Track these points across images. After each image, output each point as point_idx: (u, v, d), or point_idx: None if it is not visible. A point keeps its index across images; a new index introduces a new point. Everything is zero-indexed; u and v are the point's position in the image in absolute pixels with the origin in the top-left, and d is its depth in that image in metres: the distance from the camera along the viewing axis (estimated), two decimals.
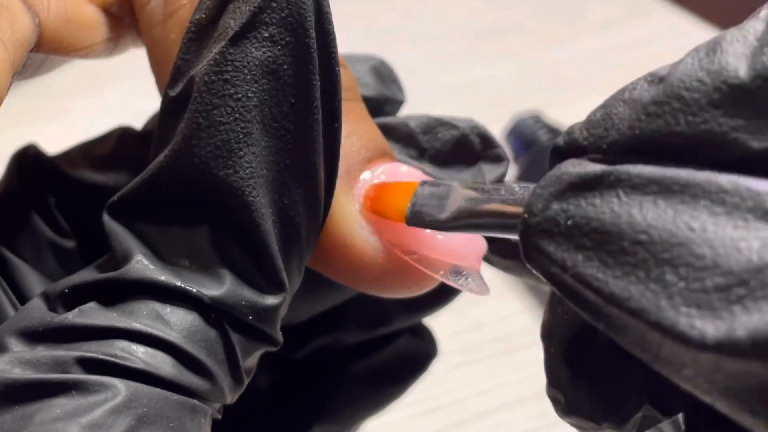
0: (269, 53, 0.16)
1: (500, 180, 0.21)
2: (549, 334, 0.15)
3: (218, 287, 0.16)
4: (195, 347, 0.16)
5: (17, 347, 0.15)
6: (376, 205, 0.18)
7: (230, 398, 0.17)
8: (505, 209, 0.16)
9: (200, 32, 0.17)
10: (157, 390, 0.15)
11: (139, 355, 0.15)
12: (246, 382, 0.17)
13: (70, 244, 0.20)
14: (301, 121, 0.16)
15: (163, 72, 0.19)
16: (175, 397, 0.15)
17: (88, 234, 0.20)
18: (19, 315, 0.16)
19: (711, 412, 0.13)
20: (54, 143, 0.22)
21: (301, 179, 0.17)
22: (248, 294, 0.16)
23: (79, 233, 0.20)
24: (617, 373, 0.14)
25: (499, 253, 0.20)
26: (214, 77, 0.16)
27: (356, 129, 0.18)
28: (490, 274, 0.20)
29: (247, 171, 0.16)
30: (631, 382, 0.14)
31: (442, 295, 0.23)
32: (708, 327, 0.11)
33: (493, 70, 0.61)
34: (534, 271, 0.14)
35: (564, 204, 0.13)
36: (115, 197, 0.17)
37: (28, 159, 0.21)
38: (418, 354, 0.24)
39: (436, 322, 0.25)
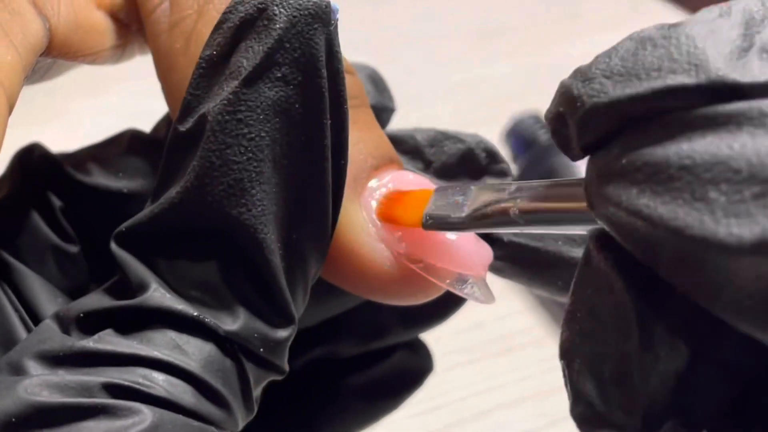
0: (282, 93, 0.16)
1: None
2: (570, 351, 0.15)
3: (233, 320, 0.16)
4: (212, 377, 0.16)
5: (37, 370, 0.15)
6: (389, 211, 0.18)
7: (242, 425, 0.17)
8: (532, 205, 0.16)
9: (211, 68, 0.17)
10: (178, 416, 0.15)
11: (160, 382, 0.15)
12: (255, 410, 0.17)
13: (73, 249, 0.20)
14: (311, 159, 0.17)
15: (169, 81, 0.19)
16: (196, 424, 0.15)
17: (94, 239, 0.20)
18: (36, 337, 0.16)
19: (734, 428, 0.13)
20: (55, 144, 0.22)
21: (309, 215, 0.17)
22: (260, 327, 0.16)
23: (85, 238, 0.20)
24: (648, 381, 0.14)
25: (509, 260, 0.20)
26: (227, 117, 0.16)
27: (363, 136, 0.18)
28: (490, 273, 0.20)
29: (259, 209, 0.16)
30: (661, 391, 0.14)
31: (440, 310, 0.23)
32: (744, 231, 0.11)
33: (493, 70, 0.61)
34: (600, 222, 0.14)
35: (616, 149, 0.13)
36: (122, 227, 0.17)
37: (33, 159, 0.21)
38: (413, 369, 0.24)
39: None
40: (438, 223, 0.18)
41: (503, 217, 0.16)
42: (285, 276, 0.17)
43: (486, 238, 0.20)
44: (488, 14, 0.68)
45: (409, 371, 0.24)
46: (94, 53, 0.19)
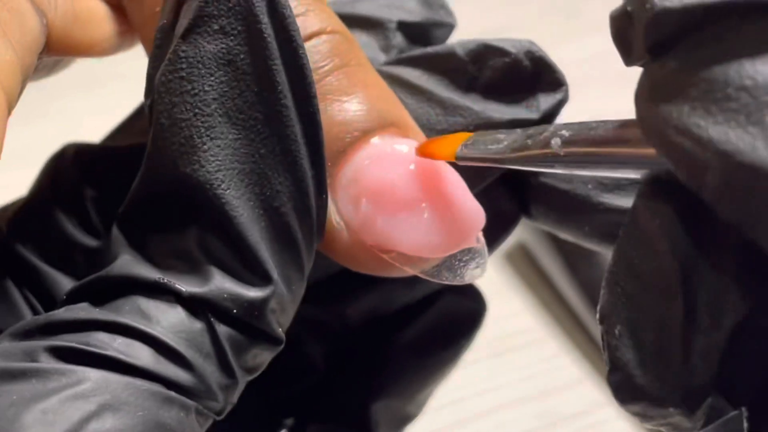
0: (222, 45, 0.16)
1: (558, 107, 0.20)
2: (610, 315, 0.15)
3: (202, 283, 0.16)
4: (175, 339, 0.16)
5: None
6: (426, 148, 0.18)
7: (222, 395, 0.16)
8: (577, 139, 0.15)
9: (164, 38, 0.17)
10: (126, 378, 0.15)
11: (115, 345, 0.15)
12: (241, 379, 0.17)
13: (95, 243, 0.20)
14: (269, 110, 0.16)
15: None
16: (146, 386, 0.15)
17: None
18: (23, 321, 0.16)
19: None
20: (53, 143, 0.22)
21: (280, 168, 0.16)
22: (231, 287, 0.16)
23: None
24: (690, 353, 0.14)
25: (537, 202, 0.20)
26: (170, 76, 0.16)
27: (327, 117, 0.17)
28: (491, 273, 0.20)
29: (214, 164, 0.16)
30: (703, 364, 0.14)
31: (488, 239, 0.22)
32: None
33: None
34: (644, 138, 0.13)
35: (673, 61, 0.13)
36: (120, 208, 0.17)
37: (67, 157, 0.20)
38: (462, 313, 0.23)
39: None
40: (474, 155, 0.17)
41: (545, 153, 0.15)
42: (264, 233, 0.16)
43: (513, 180, 0.19)
44: (488, 14, 0.68)
45: (458, 316, 0.23)
46: (95, 44, 0.19)
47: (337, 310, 0.17)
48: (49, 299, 0.19)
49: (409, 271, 0.18)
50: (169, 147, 0.16)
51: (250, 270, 0.16)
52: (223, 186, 0.16)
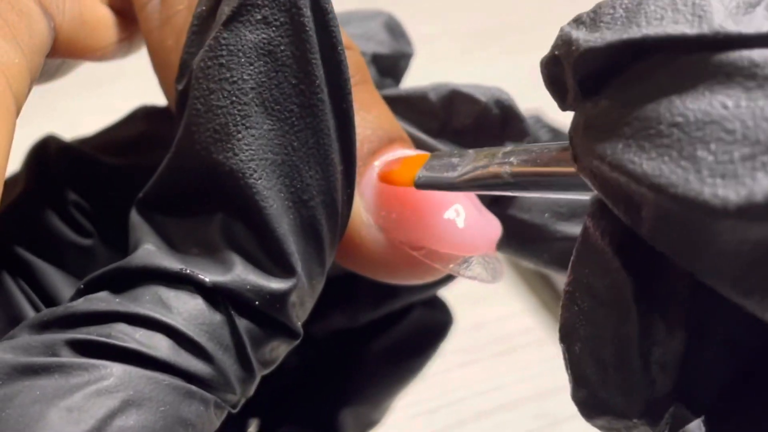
0: (264, 35, 0.16)
1: None
2: (570, 333, 0.15)
3: (224, 272, 0.16)
4: (195, 331, 0.15)
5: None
6: (386, 174, 0.18)
7: (240, 388, 0.16)
8: (523, 167, 0.15)
9: (202, 25, 0.17)
10: (148, 372, 0.15)
11: (136, 337, 0.15)
12: (258, 373, 0.17)
13: (88, 242, 0.20)
14: (305, 102, 0.16)
15: (163, 76, 0.19)
16: (167, 381, 0.15)
17: (117, 223, 0.20)
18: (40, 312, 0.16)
19: (729, 413, 0.13)
20: None
21: (312, 162, 0.17)
22: (254, 279, 0.16)
23: (108, 223, 0.20)
24: (648, 365, 0.14)
25: (504, 232, 0.20)
26: (209, 62, 0.16)
27: (358, 120, 0.18)
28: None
29: (247, 153, 0.16)
30: (662, 375, 0.14)
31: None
32: (730, 194, 0.11)
33: (493, 70, 0.61)
34: (582, 176, 0.13)
35: (606, 101, 0.13)
36: (140, 194, 0.17)
37: (49, 153, 0.20)
38: (433, 324, 0.24)
39: None
40: (430, 181, 0.17)
41: (495, 179, 0.16)
42: (292, 226, 0.16)
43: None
44: (488, 14, 0.68)
45: (429, 327, 0.24)
46: (102, 48, 0.19)
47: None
48: (43, 291, 0.19)
49: (439, 268, 0.18)
50: (203, 133, 0.16)
51: (275, 261, 0.16)
52: (255, 176, 0.16)
